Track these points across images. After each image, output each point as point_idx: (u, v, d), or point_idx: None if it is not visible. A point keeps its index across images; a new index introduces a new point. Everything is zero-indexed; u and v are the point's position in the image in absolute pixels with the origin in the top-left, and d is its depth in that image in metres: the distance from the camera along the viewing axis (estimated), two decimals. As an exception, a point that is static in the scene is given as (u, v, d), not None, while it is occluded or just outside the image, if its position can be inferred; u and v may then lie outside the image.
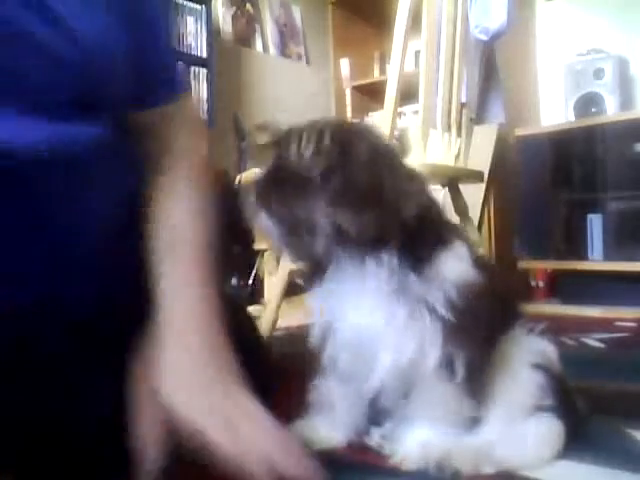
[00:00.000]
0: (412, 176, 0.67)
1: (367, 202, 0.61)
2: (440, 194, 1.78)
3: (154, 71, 0.68)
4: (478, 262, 0.69)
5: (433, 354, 0.64)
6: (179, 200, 0.69)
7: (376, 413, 0.73)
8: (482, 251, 0.72)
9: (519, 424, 0.68)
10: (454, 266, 0.65)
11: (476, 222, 2.25)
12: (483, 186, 2.32)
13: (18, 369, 0.59)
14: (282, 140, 0.66)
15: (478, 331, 0.66)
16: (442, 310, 0.64)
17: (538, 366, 0.70)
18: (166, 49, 0.71)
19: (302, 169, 0.63)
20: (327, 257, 0.66)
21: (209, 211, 0.71)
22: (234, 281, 2.14)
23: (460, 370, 0.65)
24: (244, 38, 2.72)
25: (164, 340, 0.60)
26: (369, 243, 0.63)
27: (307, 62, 3.02)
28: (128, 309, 0.62)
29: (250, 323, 0.93)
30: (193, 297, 0.63)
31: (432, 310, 0.64)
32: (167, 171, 0.70)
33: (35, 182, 0.52)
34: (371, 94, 3.06)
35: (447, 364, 0.65)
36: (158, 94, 0.69)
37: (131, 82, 0.63)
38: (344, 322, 0.67)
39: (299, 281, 0.78)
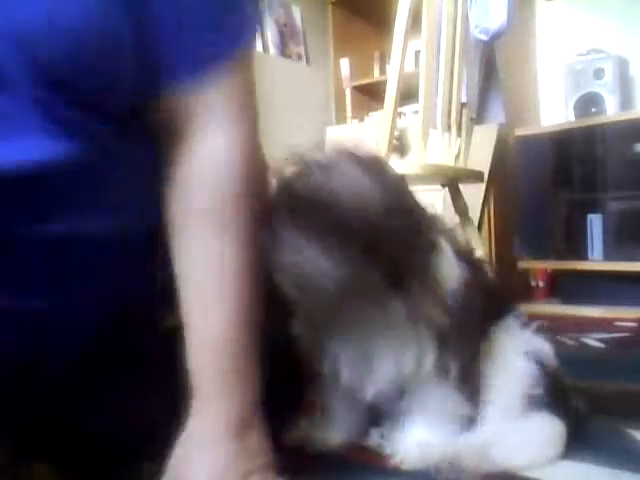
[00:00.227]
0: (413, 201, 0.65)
1: (397, 233, 0.60)
2: (440, 194, 1.79)
3: (166, 52, 0.56)
4: (464, 257, 0.69)
5: (428, 356, 0.65)
6: (194, 245, 0.58)
7: (376, 413, 0.73)
8: (469, 244, 0.73)
9: (520, 423, 0.68)
10: (443, 268, 0.65)
11: (476, 222, 2.25)
12: (483, 186, 2.31)
13: (22, 380, 0.58)
14: (302, 171, 0.61)
15: (470, 330, 0.67)
16: (435, 313, 0.64)
17: (536, 365, 0.70)
18: (192, 25, 0.56)
19: (333, 201, 0.58)
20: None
21: (241, 255, 0.58)
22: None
23: (454, 370, 0.65)
24: (244, 38, 2.72)
25: (192, 410, 0.58)
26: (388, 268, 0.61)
27: (307, 62, 3.02)
28: (139, 317, 0.62)
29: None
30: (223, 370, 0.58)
31: (425, 313, 0.64)
32: (180, 192, 0.59)
33: (32, 184, 0.52)
34: (371, 94, 3.06)
35: (441, 364, 0.65)
36: (169, 79, 0.57)
37: (137, 67, 0.55)
38: (342, 327, 0.67)
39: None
